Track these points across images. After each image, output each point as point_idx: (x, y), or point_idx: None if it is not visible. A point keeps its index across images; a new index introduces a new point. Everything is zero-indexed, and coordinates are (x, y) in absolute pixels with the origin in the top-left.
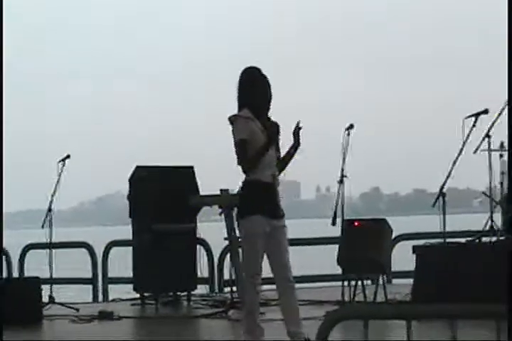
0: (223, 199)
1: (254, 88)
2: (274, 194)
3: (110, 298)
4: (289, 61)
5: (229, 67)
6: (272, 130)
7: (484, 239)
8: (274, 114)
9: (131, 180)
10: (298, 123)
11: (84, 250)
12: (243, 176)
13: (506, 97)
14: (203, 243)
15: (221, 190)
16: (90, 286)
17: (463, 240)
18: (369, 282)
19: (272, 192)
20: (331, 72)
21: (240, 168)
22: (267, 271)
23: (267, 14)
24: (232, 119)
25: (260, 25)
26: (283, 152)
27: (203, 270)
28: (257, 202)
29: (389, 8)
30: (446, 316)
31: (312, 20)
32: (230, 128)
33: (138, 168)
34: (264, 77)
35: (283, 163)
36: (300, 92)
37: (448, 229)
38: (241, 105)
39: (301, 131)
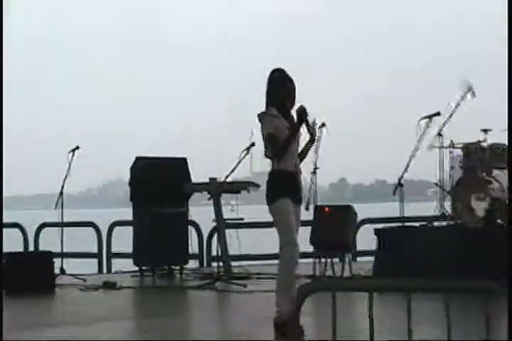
0: (212, 187)
1: (281, 88)
2: (297, 181)
3: (113, 270)
4: None
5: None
6: (296, 125)
7: (436, 224)
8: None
9: (132, 169)
10: (314, 120)
11: (90, 229)
12: (271, 166)
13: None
14: (194, 224)
15: (210, 179)
16: (96, 260)
17: (417, 224)
18: (337, 259)
19: (295, 179)
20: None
21: (267, 159)
22: (252, 248)
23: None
24: (261, 116)
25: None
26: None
27: (193, 247)
28: (285, 187)
29: None
30: (403, 290)
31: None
32: (259, 124)
33: (138, 158)
34: (290, 78)
35: (302, 154)
36: None
37: (405, 214)
38: (269, 103)
39: (316, 127)
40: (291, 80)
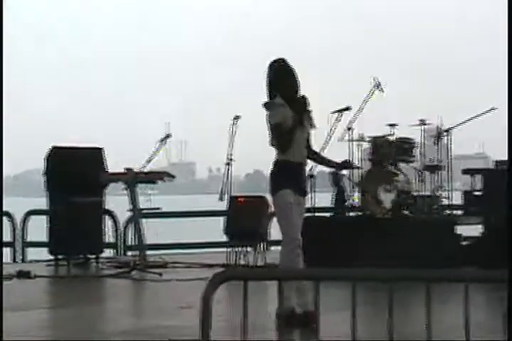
0: (128, 177)
1: (285, 78)
2: (301, 173)
3: (28, 259)
4: None
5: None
6: (299, 110)
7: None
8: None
9: (47, 159)
10: (351, 164)
11: (5, 217)
12: (276, 156)
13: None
14: (110, 213)
15: (126, 169)
16: (9, 249)
17: (328, 214)
18: (251, 249)
19: (300, 171)
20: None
21: (273, 148)
22: (168, 237)
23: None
24: (268, 105)
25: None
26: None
27: (109, 236)
28: (288, 179)
29: None
30: (311, 278)
31: None
32: (266, 113)
33: (54, 148)
34: (292, 68)
35: (322, 162)
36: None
37: (317, 205)
38: (273, 93)
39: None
40: (293, 70)
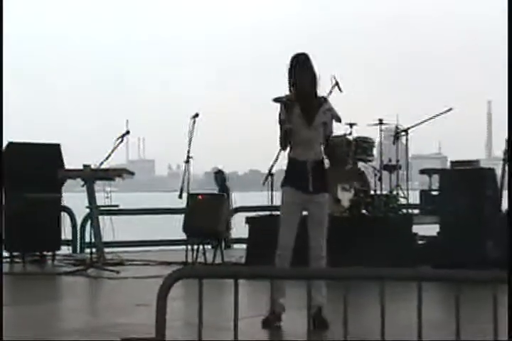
0: (86, 173)
1: (299, 74)
2: (305, 170)
3: None
4: None
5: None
6: (306, 108)
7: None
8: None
9: (3, 155)
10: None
11: None
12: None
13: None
14: (68, 210)
15: (84, 165)
16: None
17: None
18: (209, 246)
19: (303, 168)
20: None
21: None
22: (126, 235)
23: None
24: (277, 101)
25: None
26: None
27: (66, 233)
28: (289, 176)
29: None
30: (267, 276)
31: None
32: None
33: (10, 143)
34: (308, 65)
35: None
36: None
37: (276, 203)
38: (289, 88)
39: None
40: (308, 66)
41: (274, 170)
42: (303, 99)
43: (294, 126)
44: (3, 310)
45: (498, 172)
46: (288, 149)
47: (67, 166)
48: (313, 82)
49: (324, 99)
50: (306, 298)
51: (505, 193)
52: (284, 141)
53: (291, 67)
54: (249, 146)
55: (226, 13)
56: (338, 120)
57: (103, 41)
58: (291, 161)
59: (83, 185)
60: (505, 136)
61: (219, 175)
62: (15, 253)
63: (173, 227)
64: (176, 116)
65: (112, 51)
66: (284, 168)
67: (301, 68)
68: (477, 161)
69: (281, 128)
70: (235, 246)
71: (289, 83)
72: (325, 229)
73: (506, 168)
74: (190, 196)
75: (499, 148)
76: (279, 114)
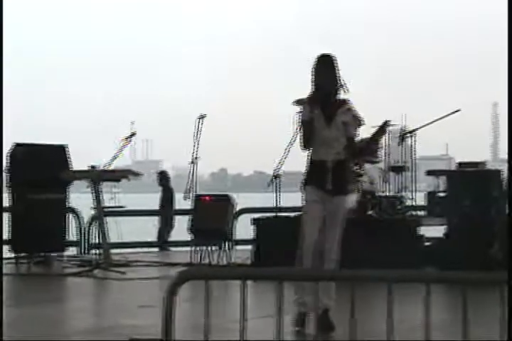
0: (91, 174)
1: (315, 75)
2: (325, 170)
3: None
4: None
5: None
6: (327, 110)
7: None
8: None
9: (10, 155)
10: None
11: None
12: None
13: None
14: (73, 211)
15: (90, 167)
16: None
17: (293, 214)
18: (215, 248)
19: (323, 168)
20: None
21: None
22: (132, 236)
23: None
24: (299, 103)
25: None
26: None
27: (72, 234)
28: (310, 176)
29: None
30: (273, 278)
31: None
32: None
33: (17, 145)
34: (332, 66)
35: (352, 148)
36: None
37: (282, 205)
38: (311, 87)
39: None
40: (330, 67)
41: (279, 172)
42: (323, 99)
43: (315, 126)
44: (7, 311)
45: (504, 174)
46: (309, 150)
47: (73, 167)
48: (334, 82)
49: (344, 101)
50: (314, 300)
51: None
52: (307, 140)
53: (315, 67)
54: (255, 147)
55: (231, 12)
56: (360, 122)
57: (105, 40)
58: (312, 161)
59: (89, 186)
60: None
61: (162, 176)
62: (21, 254)
63: (179, 228)
64: (182, 117)
65: (116, 51)
66: (291, 169)
67: (323, 69)
68: (484, 163)
69: (304, 129)
70: (238, 247)
71: (312, 83)
72: (339, 231)
73: None
74: (196, 197)
75: (505, 150)
76: (302, 116)
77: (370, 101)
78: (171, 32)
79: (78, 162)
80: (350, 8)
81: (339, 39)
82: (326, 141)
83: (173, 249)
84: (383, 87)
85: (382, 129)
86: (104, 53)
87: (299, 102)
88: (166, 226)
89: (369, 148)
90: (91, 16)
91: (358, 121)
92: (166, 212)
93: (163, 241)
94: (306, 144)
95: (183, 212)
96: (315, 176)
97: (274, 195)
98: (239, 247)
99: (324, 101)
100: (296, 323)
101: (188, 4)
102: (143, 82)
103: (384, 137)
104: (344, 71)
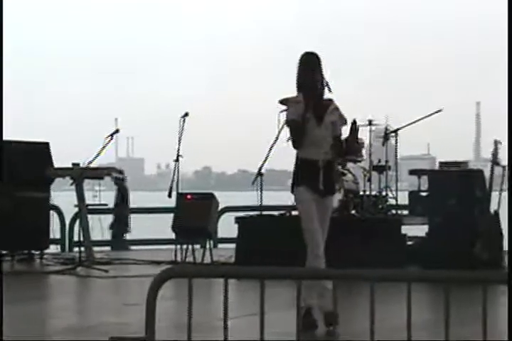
0: (75, 172)
1: (299, 74)
2: (316, 170)
3: None
4: None
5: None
6: (315, 110)
7: (294, 213)
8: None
9: None
10: (354, 122)
11: None
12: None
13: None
14: (56, 209)
15: (73, 164)
16: None
17: (276, 213)
18: (198, 246)
19: (314, 168)
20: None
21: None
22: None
23: None
24: (284, 102)
25: None
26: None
27: (55, 232)
28: (301, 175)
29: None
30: (256, 276)
31: None
32: (282, 109)
33: None
34: (313, 64)
35: (338, 148)
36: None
37: (266, 203)
38: (296, 86)
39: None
40: (314, 66)
41: (263, 170)
42: (312, 98)
43: (305, 125)
44: None
45: (486, 173)
46: (298, 149)
47: (56, 165)
48: (322, 81)
49: (331, 100)
50: (296, 299)
51: (493, 194)
52: (298, 139)
53: (301, 66)
54: (238, 146)
55: (228, 13)
56: (344, 121)
57: (105, 40)
58: (301, 161)
59: (72, 184)
60: (494, 137)
61: (117, 178)
62: (3, 252)
63: (163, 226)
64: (165, 115)
65: (116, 51)
66: (276, 168)
67: (311, 68)
68: (465, 162)
69: (290, 128)
70: (222, 245)
71: (297, 82)
72: (326, 230)
73: (494, 169)
74: (179, 195)
75: (487, 150)
76: (288, 115)
77: (352, 100)
78: (171, 32)
79: (61, 159)
80: (350, 8)
81: (339, 39)
82: (315, 140)
83: (156, 246)
84: (366, 85)
85: (353, 129)
86: (104, 53)
87: (284, 101)
88: (119, 225)
89: (353, 146)
90: (91, 16)
91: (343, 120)
92: (120, 211)
93: (119, 241)
94: (298, 145)
95: (166, 210)
96: (306, 176)
97: (258, 193)
98: (222, 246)
99: (313, 100)
100: (309, 323)
101: (188, 4)
102: (143, 82)
103: (358, 136)
104: (344, 71)
